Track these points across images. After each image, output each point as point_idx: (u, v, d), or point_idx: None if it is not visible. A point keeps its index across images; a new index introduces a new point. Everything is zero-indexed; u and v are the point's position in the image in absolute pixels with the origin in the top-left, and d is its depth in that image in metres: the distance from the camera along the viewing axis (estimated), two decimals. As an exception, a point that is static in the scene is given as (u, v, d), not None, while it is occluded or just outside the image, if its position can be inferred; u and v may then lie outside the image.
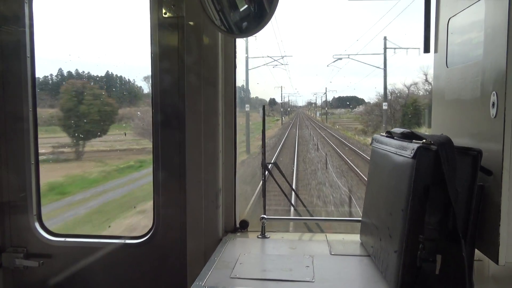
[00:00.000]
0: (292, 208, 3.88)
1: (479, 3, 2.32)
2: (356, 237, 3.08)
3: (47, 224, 3.63)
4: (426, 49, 2.98)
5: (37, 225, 3.56)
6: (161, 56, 3.32)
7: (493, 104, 2.08)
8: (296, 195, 4.37)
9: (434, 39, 2.98)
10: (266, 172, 3.37)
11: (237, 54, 3.36)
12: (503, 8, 2.02)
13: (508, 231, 2.05)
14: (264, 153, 3.34)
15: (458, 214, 2.05)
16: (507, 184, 2.03)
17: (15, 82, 3.44)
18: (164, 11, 3.25)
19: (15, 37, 3.41)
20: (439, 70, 2.93)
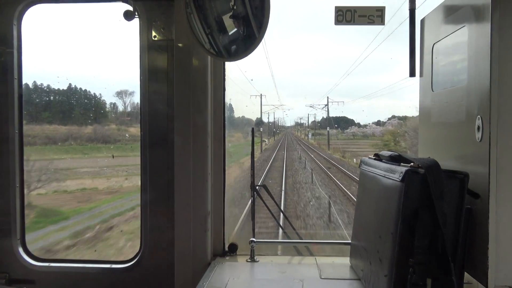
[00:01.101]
0: (280, 230, 3.85)
1: (462, 30, 2.39)
2: (346, 260, 3.07)
3: (31, 248, 3.54)
4: (412, 74, 3.05)
5: (20, 250, 3.46)
6: (150, 78, 3.32)
7: (478, 128, 2.12)
8: (285, 217, 4.34)
9: (419, 64, 3.05)
10: (255, 194, 3.36)
11: (226, 76, 3.38)
12: (485, 34, 2.08)
13: (496, 253, 2.06)
14: (253, 175, 3.33)
15: (447, 237, 2.05)
16: (494, 207, 2.06)
17: (1, 103, 3.40)
18: (154, 34, 3.28)
19: (2, 58, 3.39)
20: (425, 94, 2.99)
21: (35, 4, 3.41)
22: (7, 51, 3.39)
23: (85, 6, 3.65)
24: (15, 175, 3.44)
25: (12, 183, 3.42)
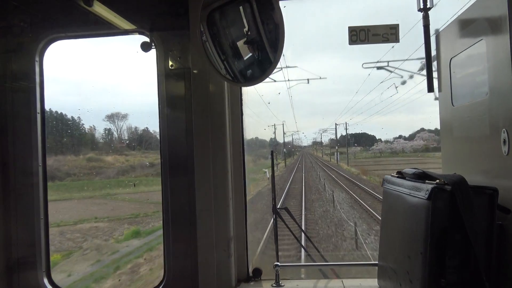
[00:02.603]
0: (303, 252, 3.78)
1: (480, 43, 2.36)
2: (374, 282, 2.98)
3: (56, 279, 3.55)
4: (430, 89, 3.02)
5: (45, 282, 3.48)
6: (168, 106, 3.37)
7: (504, 141, 2.07)
8: (309, 239, 4.27)
9: (438, 79, 3.01)
10: (278, 217, 3.32)
11: (243, 100, 3.41)
12: (505, 46, 2.05)
13: None
14: (274, 198, 3.31)
15: (479, 255, 1.98)
16: None
17: (25, 137, 3.48)
18: (170, 63, 3.34)
19: (26, 94, 3.49)
20: (445, 109, 2.94)
21: (56, 41, 3.52)
22: (29, 87, 3.50)
23: (103, 40, 3.75)
24: (39, 207, 3.48)
25: (36, 216, 3.47)
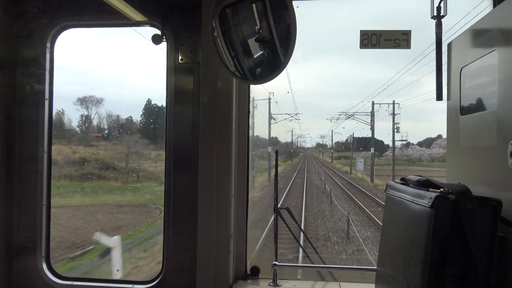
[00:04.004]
0: (301, 253, 3.78)
1: (492, 53, 2.35)
2: (371, 287, 2.98)
3: (55, 266, 3.58)
4: (439, 97, 3.01)
5: (44, 268, 3.50)
6: (176, 100, 3.38)
7: (511, 154, 2.06)
8: (308, 241, 4.27)
9: (447, 88, 3.00)
10: (278, 217, 3.32)
11: (250, 99, 3.41)
12: None
13: None
14: (276, 198, 3.31)
15: (479, 266, 1.98)
16: None
17: (32, 123, 3.50)
18: (180, 57, 3.34)
19: (35, 80, 3.51)
20: (453, 118, 2.93)
21: (69, 28, 3.54)
22: (39, 73, 3.52)
23: (115, 30, 3.76)
24: (42, 193, 3.51)
25: (39, 202, 3.49)
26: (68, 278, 3.53)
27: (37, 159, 3.50)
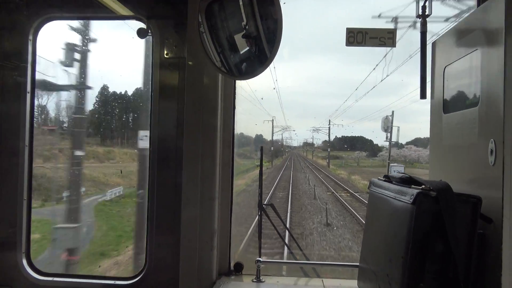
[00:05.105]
0: (286, 250, 3.80)
1: (474, 53, 2.38)
2: (354, 283, 3.00)
3: (35, 262, 3.52)
4: (423, 96, 3.05)
5: (24, 263, 3.44)
6: (161, 95, 3.35)
7: (491, 152, 2.10)
8: (292, 237, 4.29)
9: (431, 86, 3.04)
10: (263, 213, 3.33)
11: (236, 95, 3.40)
12: (499, 58, 2.07)
13: (510, 280, 2.01)
14: (260, 194, 3.31)
15: (459, 262, 2.01)
16: (507, 232, 2.01)
17: (13, 116, 3.43)
18: (166, 51, 3.31)
19: (17, 73, 3.44)
20: (436, 116, 2.97)
21: (52, 20, 3.47)
22: (21, 66, 3.45)
23: (99, 23, 3.71)
24: (23, 188, 3.44)
25: (20, 196, 3.43)
26: (49, 274, 3.47)
27: (17, 153, 3.43)
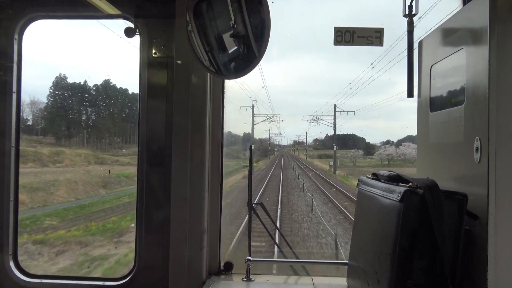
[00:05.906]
0: (276, 249, 3.80)
1: (460, 52, 2.42)
2: (343, 281, 3.03)
3: (23, 263, 3.47)
4: (410, 94, 3.08)
5: (12, 265, 3.40)
6: (149, 95, 3.33)
7: (477, 149, 2.13)
8: (282, 236, 4.30)
9: (417, 85, 3.07)
10: (252, 212, 3.33)
11: (225, 94, 3.40)
12: (483, 57, 2.10)
13: (495, 276, 2.04)
14: (250, 193, 3.31)
15: (445, 258, 2.04)
16: (493, 229, 2.05)
17: None
18: (154, 51, 3.29)
19: (2, 72, 3.39)
20: (423, 115, 3.00)
21: (37, 20, 3.43)
22: (6, 66, 3.40)
23: (87, 22, 3.68)
24: (9, 190, 3.40)
25: (6, 198, 3.38)
26: (37, 276, 3.43)
27: (3, 154, 3.38)
